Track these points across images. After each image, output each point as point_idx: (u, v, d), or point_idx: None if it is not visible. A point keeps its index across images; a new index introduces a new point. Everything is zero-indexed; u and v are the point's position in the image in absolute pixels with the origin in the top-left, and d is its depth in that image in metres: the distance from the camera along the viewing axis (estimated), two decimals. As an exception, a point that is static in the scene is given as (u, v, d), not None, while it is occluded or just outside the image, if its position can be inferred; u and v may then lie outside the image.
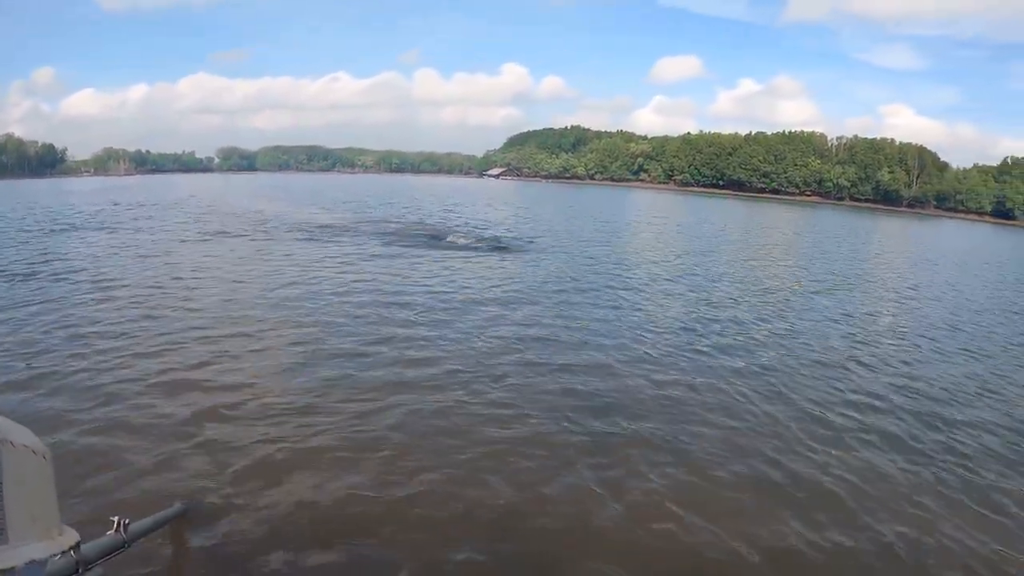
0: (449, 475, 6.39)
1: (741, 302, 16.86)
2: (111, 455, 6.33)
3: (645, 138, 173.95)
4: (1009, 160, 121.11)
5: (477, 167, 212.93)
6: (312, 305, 13.31)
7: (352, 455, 6.67)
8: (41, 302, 12.85)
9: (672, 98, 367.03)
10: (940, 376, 11.27)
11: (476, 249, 24.01)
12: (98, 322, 11.41)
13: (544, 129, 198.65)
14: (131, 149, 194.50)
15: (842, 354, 12.16)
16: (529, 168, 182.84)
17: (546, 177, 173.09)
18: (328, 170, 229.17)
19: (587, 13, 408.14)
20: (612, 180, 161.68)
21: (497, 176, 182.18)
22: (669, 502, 6.13)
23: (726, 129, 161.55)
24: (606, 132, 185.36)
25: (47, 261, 17.96)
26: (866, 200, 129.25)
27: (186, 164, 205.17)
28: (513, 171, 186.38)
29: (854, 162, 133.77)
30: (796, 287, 20.48)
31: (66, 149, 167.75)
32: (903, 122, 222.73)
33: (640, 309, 15.01)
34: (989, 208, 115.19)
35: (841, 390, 10.00)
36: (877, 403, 9.51)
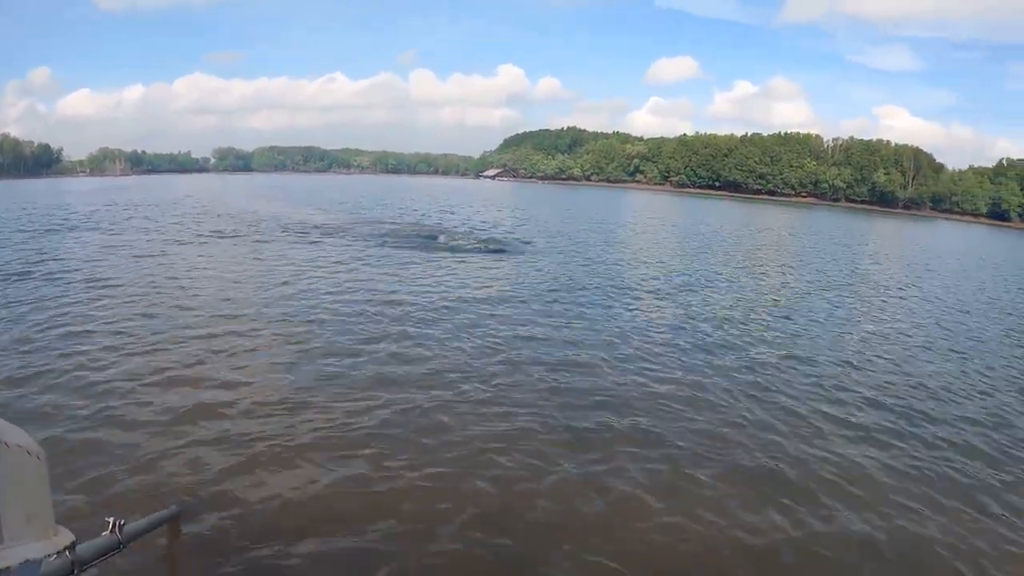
0: (439, 472, 6.47)
1: (734, 303, 16.90)
2: (105, 455, 6.33)
3: (641, 139, 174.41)
4: (1005, 162, 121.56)
5: (473, 168, 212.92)
6: (306, 305, 13.32)
7: (346, 454, 6.70)
8: (36, 301, 12.85)
9: (668, 99, 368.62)
10: (930, 375, 11.35)
11: (471, 250, 23.98)
12: (93, 322, 11.44)
13: (540, 130, 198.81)
14: (127, 149, 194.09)
15: (835, 354, 12.23)
16: (525, 169, 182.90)
17: (542, 178, 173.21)
18: (324, 171, 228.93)
19: (583, 14, 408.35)
20: (608, 181, 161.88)
21: (493, 177, 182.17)
22: (655, 498, 6.21)
23: (722, 130, 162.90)
24: (602, 133, 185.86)
25: (42, 261, 17.92)
26: (862, 201, 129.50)
27: (182, 164, 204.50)
28: (509, 172, 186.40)
29: (850, 163, 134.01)
30: (789, 288, 20.56)
31: (62, 149, 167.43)
32: (899, 124, 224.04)
33: (633, 309, 15.05)
34: (984, 210, 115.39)
35: (830, 389, 10.07)
36: (865, 402, 9.60)
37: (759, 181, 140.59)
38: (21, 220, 30.68)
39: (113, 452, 6.41)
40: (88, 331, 10.78)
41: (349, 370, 9.33)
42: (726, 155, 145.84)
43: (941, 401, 9.97)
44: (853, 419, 8.81)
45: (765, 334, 13.45)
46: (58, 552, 2.07)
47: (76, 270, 16.65)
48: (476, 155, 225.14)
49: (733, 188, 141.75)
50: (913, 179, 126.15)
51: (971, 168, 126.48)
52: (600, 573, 5.13)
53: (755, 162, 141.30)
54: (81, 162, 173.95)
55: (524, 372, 9.77)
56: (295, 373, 9.10)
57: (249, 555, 4.98)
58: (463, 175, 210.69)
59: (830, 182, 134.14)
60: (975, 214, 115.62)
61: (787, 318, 15.37)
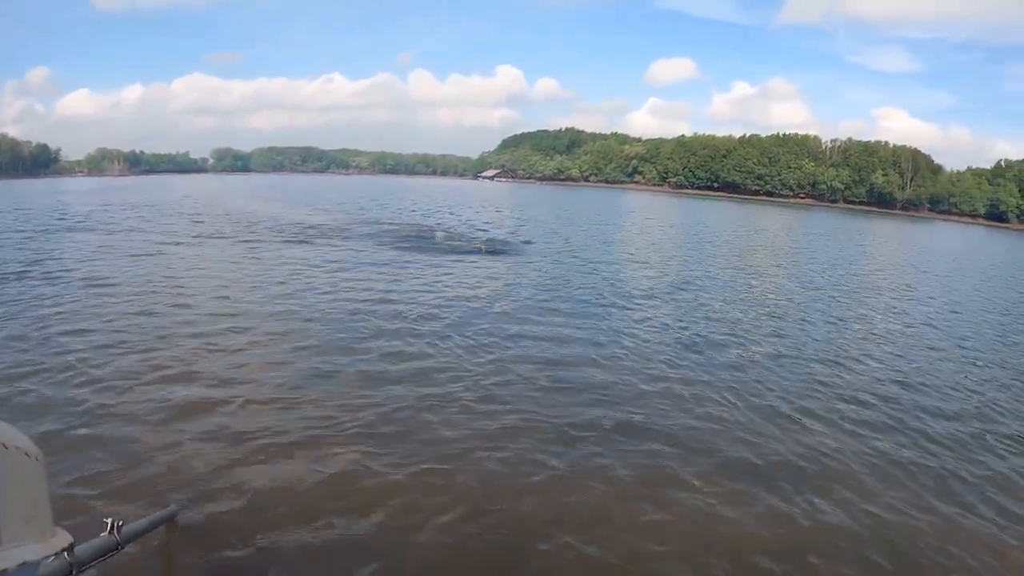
0: (433, 469, 6.54)
1: (729, 303, 16.97)
2: (103, 457, 6.34)
3: (640, 140, 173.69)
4: (1003, 163, 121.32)
5: (472, 169, 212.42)
6: (302, 305, 13.36)
7: (343, 454, 6.74)
8: (33, 300, 12.92)
9: (667, 100, 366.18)
10: (924, 375, 11.39)
11: (468, 251, 23.97)
12: (89, 321, 11.46)
13: (539, 131, 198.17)
14: (125, 150, 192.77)
15: (827, 354, 12.28)
16: (524, 170, 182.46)
17: (540, 179, 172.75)
18: (323, 171, 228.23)
19: (582, 15, 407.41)
20: (606, 182, 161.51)
21: (491, 178, 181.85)
22: (646, 495, 6.33)
23: (720, 131, 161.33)
24: (601, 134, 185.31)
25: (40, 261, 17.95)
26: (860, 202, 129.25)
27: (180, 165, 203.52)
28: (508, 173, 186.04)
29: (848, 164, 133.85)
30: (783, 288, 20.62)
31: (60, 149, 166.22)
32: (897, 125, 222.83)
33: (627, 309, 15.10)
34: (983, 211, 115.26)
35: (822, 387, 10.15)
36: (855, 401, 9.68)
37: (757, 182, 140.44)
38: (19, 220, 30.61)
39: (111, 453, 6.42)
40: (84, 331, 10.80)
41: (345, 369, 9.39)
42: (724, 156, 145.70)
43: (928, 397, 10.12)
44: (846, 419, 8.87)
45: (758, 334, 13.52)
46: (56, 553, 2.06)
47: (73, 270, 16.68)
48: (474, 156, 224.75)
49: (731, 189, 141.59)
50: (911, 180, 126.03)
51: (969, 169, 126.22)
52: (591, 567, 5.19)
53: (753, 163, 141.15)
54: (79, 162, 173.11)
55: (517, 371, 9.84)
56: (291, 373, 9.14)
57: (247, 555, 5.01)
58: (461, 176, 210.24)
59: (828, 183, 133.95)
60: (973, 215, 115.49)
61: (780, 318, 15.43)
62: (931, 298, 21.14)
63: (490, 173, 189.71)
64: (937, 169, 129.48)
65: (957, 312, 18.76)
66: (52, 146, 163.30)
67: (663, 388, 9.43)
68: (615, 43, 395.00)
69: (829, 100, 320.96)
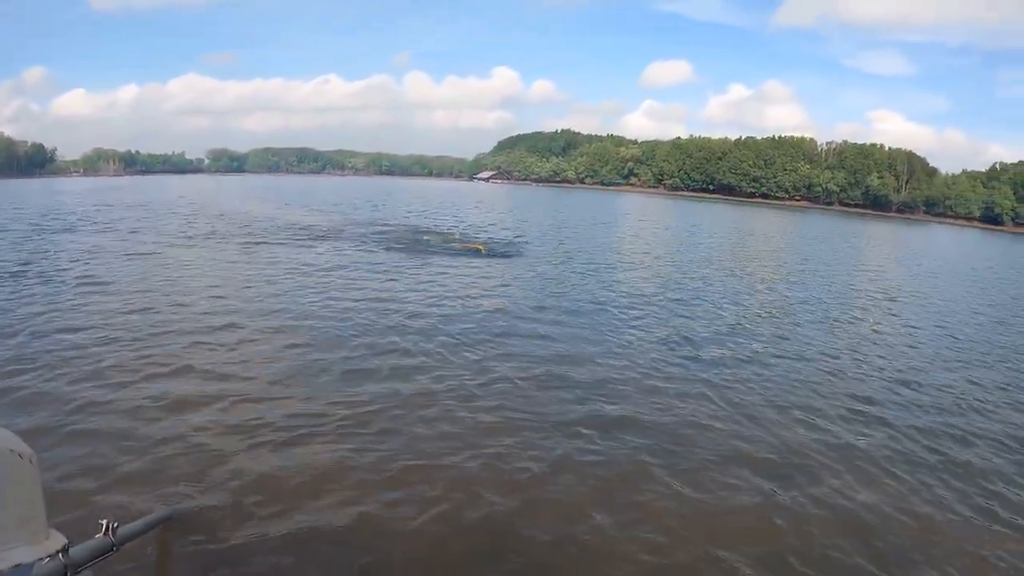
0: (427, 469, 6.53)
1: (721, 305, 16.85)
2: (98, 457, 6.29)
3: (635, 142, 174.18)
4: (998, 166, 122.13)
5: (467, 170, 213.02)
6: (298, 309, 13.22)
7: (336, 457, 6.67)
8: (27, 300, 12.86)
9: (663, 103, 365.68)
10: (924, 381, 11.25)
11: (463, 253, 23.76)
12: (83, 322, 11.39)
13: (534, 133, 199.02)
14: (121, 150, 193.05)
15: (819, 354, 12.30)
16: (519, 172, 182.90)
17: (536, 181, 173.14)
18: (318, 172, 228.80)
19: (578, 17, 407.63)
20: (602, 184, 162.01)
21: (487, 179, 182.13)
22: (659, 509, 6.19)
23: (716, 134, 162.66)
24: (596, 136, 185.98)
25: (35, 261, 17.82)
26: (855, 205, 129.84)
27: (176, 165, 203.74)
28: (503, 174, 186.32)
29: (843, 167, 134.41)
30: (777, 290, 20.44)
31: (56, 149, 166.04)
32: (892, 128, 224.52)
33: (620, 309, 15.03)
34: (978, 213, 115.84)
35: (829, 396, 10.01)
36: (848, 396, 9.89)
37: (753, 184, 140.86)
38: (14, 219, 30.44)
39: (106, 454, 6.37)
40: (78, 332, 10.72)
41: (342, 374, 9.31)
42: (720, 158, 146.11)
43: (917, 395, 10.26)
44: (832, 415, 8.93)
45: (748, 334, 13.49)
46: (50, 555, 2.08)
47: (68, 270, 16.58)
48: (470, 157, 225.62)
49: (727, 191, 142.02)
50: (906, 183, 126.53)
51: (964, 172, 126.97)
52: (574, 564, 5.27)
53: (749, 165, 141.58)
54: (75, 162, 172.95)
55: (504, 369, 9.90)
56: (288, 377, 9.06)
57: (243, 556, 4.99)
58: (457, 177, 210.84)
59: (824, 185, 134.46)
60: (968, 218, 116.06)
61: (783, 323, 15.21)
62: (922, 300, 21.20)
63: (486, 175, 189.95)
64: (932, 172, 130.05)
65: (948, 313, 18.82)
66: (48, 146, 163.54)
67: (670, 400, 9.24)
68: (611, 45, 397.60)
69: (825, 103, 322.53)
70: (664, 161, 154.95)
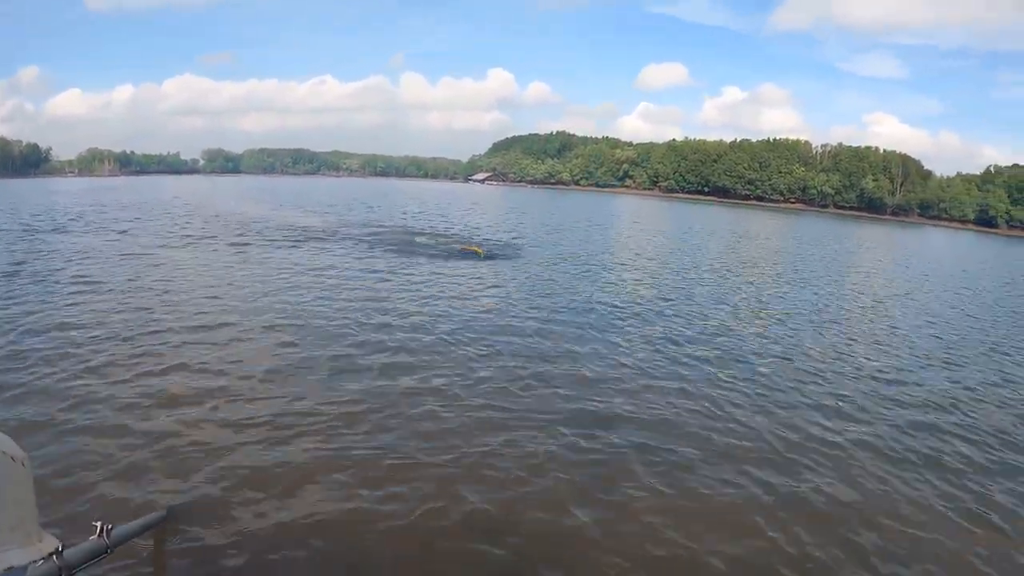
0: (420, 469, 6.59)
1: (713, 308, 16.83)
2: (91, 459, 6.27)
3: (630, 144, 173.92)
4: (992, 169, 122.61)
5: (462, 172, 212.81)
6: (291, 310, 13.21)
7: (329, 457, 6.70)
8: (20, 301, 12.83)
9: (658, 105, 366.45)
10: (908, 380, 11.39)
11: (458, 255, 23.72)
12: (77, 323, 11.39)
13: (530, 134, 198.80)
14: (116, 150, 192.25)
15: (821, 364, 12.06)
16: (514, 173, 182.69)
17: (531, 182, 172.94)
18: (313, 173, 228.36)
19: (574, 19, 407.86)
20: (597, 186, 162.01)
21: (482, 181, 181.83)
22: (642, 508, 6.22)
23: (711, 136, 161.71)
24: (591, 138, 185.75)
25: (29, 261, 17.84)
26: (850, 208, 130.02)
27: (171, 165, 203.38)
28: (498, 176, 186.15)
29: (838, 170, 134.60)
30: (771, 294, 20.49)
31: (50, 149, 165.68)
32: (887, 130, 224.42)
33: (619, 316, 14.86)
34: (972, 216, 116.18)
35: (812, 395, 10.07)
36: (839, 399, 9.88)
37: (748, 187, 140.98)
38: (9, 220, 30.40)
39: (99, 456, 6.37)
40: (72, 333, 10.73)
41: (334, 375, 9.32)
42: (715, 161, 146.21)
43: (906, 393, 10.37)
44: (843, 431, 8.64)
45: (739, 336, 13.53)
46: (44, 558, 2.08)
47: (61, 270, 16.62)
48: (465, 159, 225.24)
49: (722, 194, 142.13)
50: (901, 186, 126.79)
51: (959, 175, 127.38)
52: (564, 558, 5.36)
53: (744, 168, 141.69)
54: (70, 162, 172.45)
55: (511, 379, 9.75)
56: (281, 378, 9.09)
57: (236, 557, 5.00)
58: (452, 179, 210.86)
59: (818, 188, 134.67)
60: (963, 220, 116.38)
61: (777, 327, 15.22)
62: (911, 300, 21.42)
63: (480, 176, 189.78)
64: (927, 175, 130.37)
65: (936, 314, 19.00)
66: (43, 146, 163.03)
67: (659, 402, 9.29)
68: (607, 47, 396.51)
69: (820, 106, 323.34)
70: (659, 163, 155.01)
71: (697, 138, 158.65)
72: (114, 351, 9.70)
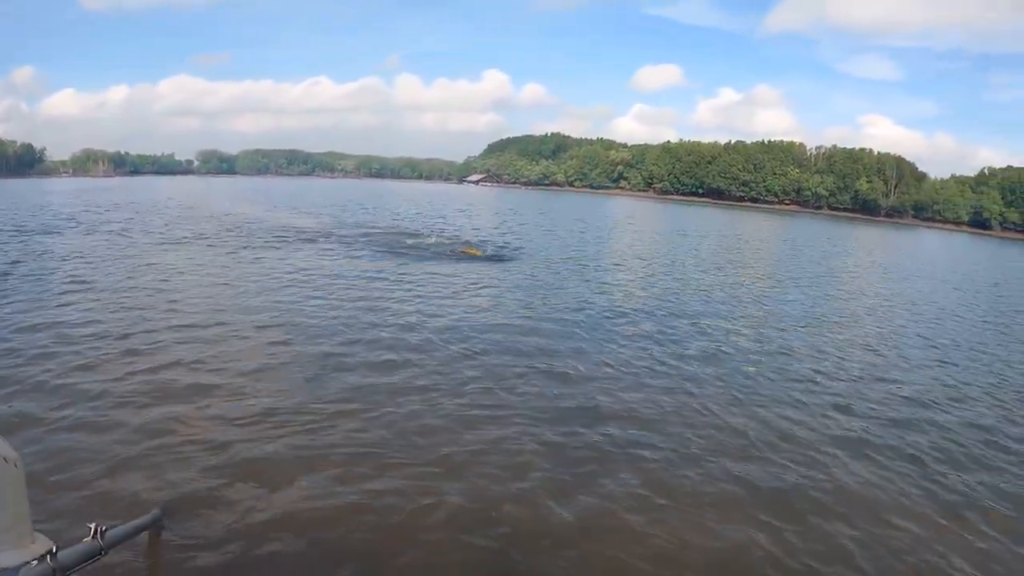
0: (414, 473, 6.55)
1: (705, 308, 16.91)
2: (85, 461, 6.25)
3: (625, 146, 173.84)
4: (986, 171, 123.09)
5: (457, 173, 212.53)
6: (284, 309, 13.24)
7: (323, 457, 6.71)
8: (12, 302, 12.75)
9: (653, 107, 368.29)
10: (900, 379, 11.44)
11: (453, 256, 23.72)
12: (70, 323, 11.34)
13: (524, 136, 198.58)
14: (110, 150, 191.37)
15: (807, 364, 12.12)
16: (509, 175, 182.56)
17: (526, 184, 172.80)
18: (308, 174, 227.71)
19: (569, 21, 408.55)
20: (591, 188, 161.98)
21: (477, 182, 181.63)
22: (625, 508, 6.22)
23: (706, 138, 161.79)
24: (586, 139, 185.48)
25: (23, 261, 17.77)
26: (844, 209, 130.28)
27: (165, 166, 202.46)
28: (493, 177, 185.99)
29: (832, 171, 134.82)
30: (763, 295, 20.60)
31: (45, 149, 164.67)
32: (881, 132, 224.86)
33: (608, 316, 14.89)
34: (966, 218, 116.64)
35: (806, 393, 10.14)
36: (834, 407, 9.67)
37: (742, 188, 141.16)
38: (3, 220, 30.15)
39: (93, 457, 6.34)
40: (66, 333, 10.69)
41: (328, 375, 9.32)
42: (709, 162, 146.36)
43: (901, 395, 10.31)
44: (832, 430, 8.70)
45: (748, 344, 13.37)
46: (38, 559, 2.07)
47: (55, 271, 16.58)
48: (460, 160, 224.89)
49: (716, 195, 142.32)
50: (895, 187, 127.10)
51: (953, 177, 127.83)
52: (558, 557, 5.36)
53: (738, 169, 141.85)
54: (64, 162, 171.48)
55: (501, 380, 9.74)
56: (275, 378, 9.11)
57: (231, 559, 5.02)
58: (447, 180, 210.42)
59: (813, 190, 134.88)
60: (957, 222, 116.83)
61: (769, 329, 15.25)
62: (903, 301, 21.44)
63: (475, 178, 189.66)
64: (921, 176, 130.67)
65: (928, 314, 19.06)
66: (37, 146, 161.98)
67: (648, 403, 9.22)
68: (601, 49, 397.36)
69: (814, 107, 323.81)
70: (654, 165, 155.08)
71: (692, 140, 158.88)
72: (107, 349, 9.71)
